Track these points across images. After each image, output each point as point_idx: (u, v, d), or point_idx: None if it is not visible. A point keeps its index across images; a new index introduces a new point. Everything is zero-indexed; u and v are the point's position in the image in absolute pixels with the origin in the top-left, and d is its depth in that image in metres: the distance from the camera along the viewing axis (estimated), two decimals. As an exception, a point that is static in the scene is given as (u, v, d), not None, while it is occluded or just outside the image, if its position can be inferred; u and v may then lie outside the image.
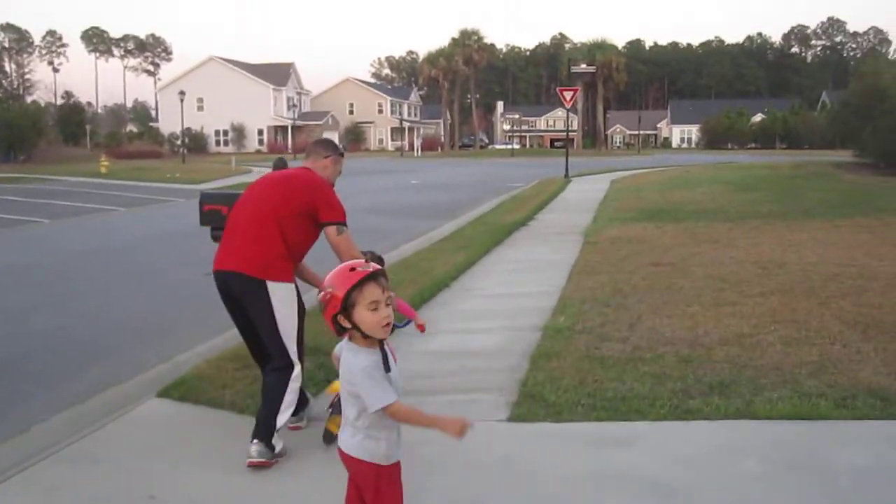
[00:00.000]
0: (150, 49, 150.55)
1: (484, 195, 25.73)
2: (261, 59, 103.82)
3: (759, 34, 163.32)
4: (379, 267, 3.12)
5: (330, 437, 4.94)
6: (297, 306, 4.99)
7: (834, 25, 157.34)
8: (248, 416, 5.60)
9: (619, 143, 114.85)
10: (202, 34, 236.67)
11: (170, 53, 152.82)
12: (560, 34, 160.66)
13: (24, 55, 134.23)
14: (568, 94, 33.27)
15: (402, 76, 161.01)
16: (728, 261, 11.14)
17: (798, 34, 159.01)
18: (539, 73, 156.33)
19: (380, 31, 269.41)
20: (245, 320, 5.09)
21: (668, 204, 20.16)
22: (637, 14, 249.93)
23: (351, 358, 3.07)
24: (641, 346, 6.84)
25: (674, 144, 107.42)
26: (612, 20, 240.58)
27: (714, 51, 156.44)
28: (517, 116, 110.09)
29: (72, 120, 67.93)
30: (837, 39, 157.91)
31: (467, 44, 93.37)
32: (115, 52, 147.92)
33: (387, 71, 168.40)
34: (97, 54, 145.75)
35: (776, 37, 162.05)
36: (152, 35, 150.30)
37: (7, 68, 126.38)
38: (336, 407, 4.90)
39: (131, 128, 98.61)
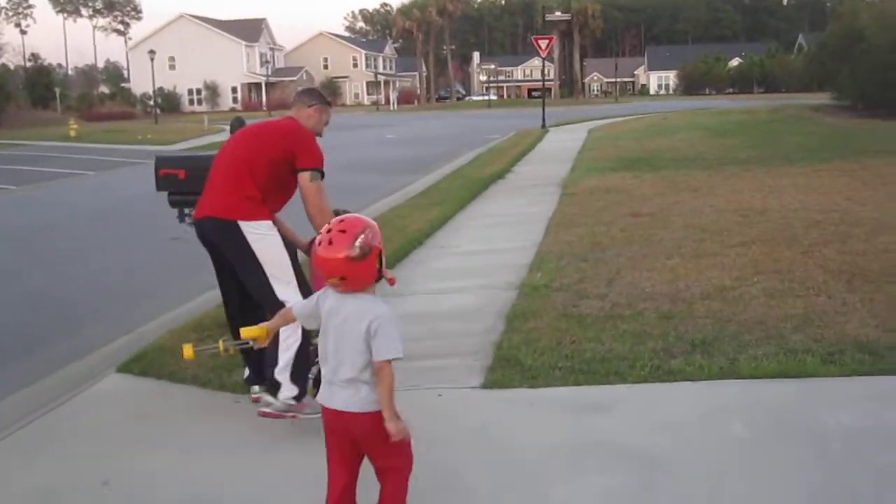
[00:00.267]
0: (119, 8, 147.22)
1: (460, 148, 25.38)
2: (232, 15, 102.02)
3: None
4: None
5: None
6: (280, 244, 4.73)
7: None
8: (211, 391, 5.40)
9: (597, 91, 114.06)
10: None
11: (139, 12, 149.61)
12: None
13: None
14: (543, 43, 32.74)
15: (376, 29, 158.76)
16: (708, 209, 10.91)
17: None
18: (515, 23, 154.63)
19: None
20: (229, 269, 4.86)
21: (646, 152, 19.89)
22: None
23: (371, 305, 3.10)
24: (620, 302, 6.61)
25: (651, 91, 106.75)
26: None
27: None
28: (493, 67, 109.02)
29: (39, 83, 66.47)
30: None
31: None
32: (84, 11, 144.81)
33: (361, 24, 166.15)
34: (65, 14, 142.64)
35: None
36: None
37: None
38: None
39: (104, 89, 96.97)
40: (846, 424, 4.25)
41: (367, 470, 3.26)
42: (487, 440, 4.41)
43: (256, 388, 5.06)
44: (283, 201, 4.91)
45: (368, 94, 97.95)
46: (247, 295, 4.91)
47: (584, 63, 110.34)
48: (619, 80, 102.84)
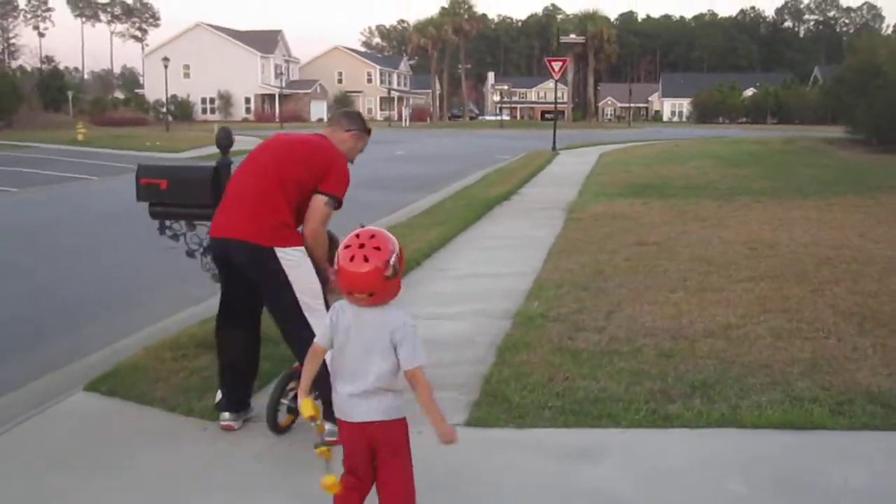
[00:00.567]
0: (137, 14, 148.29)
1: (469, 167, 25.09)
2: (249, 25, 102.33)
3: (753, 8, 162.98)
4: None
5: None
6: (314, 270, 4.49)
7: (827, 0, 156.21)
8: (178, 416, 5.08)
9: (610, 115, 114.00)
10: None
11: (157, 19, 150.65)
12: (552, 5, 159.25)
13: (10, 19, 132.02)
14: (556, 65, 32.53)
15: (392, 45, 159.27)
16: (716, 241, 10.59)
17: (791, 8, 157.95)
18: (531, 44, 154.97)
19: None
20: (243, 291, 4.62)
21: (656, 179, 19.58)
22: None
23: (391, 314, 3.15)
24: (619, 337, 6.28)
25: (665, 118, 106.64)
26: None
27: (707, 24, 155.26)
28: (506, 87, 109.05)
29: (53, 85, 66.54)
30: (830, 14, 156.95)
31: (457, 13, 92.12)
32: (102, 16, 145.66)
33: (377, 40, 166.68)
34: (83, 19, 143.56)
35: (769, 11, 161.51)
36: (139, 0, 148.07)
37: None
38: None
39: (119, 94, 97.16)
40: (855, 485, 3.92)
41: None
42: (466, 484, 4.09)
43: (227, 415, 4.79)
44: None
45: (381, 109, 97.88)
46: (253, 315, 4.75)
47: (599, 87, 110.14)
48: (632, 105, 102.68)
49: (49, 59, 73.49)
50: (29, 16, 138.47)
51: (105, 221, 14.66)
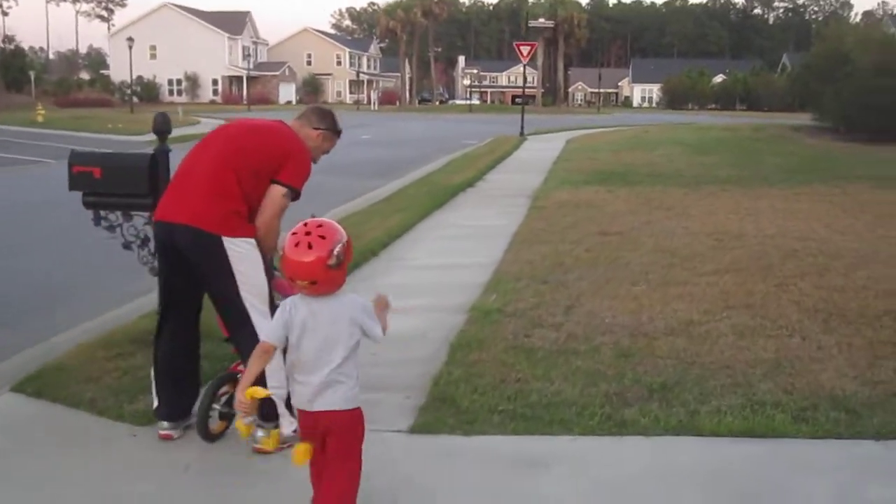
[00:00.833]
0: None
1: (435, 152, 24.76)
2: (216, 6, 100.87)
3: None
4: None
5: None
6: (262, 265, 4.18)
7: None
8: (107, 420, 4.74)
9: (581, 100, 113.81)
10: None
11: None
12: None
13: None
14: (525, 49, 32.21)
15: (363, 28, 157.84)
16: (681, 231, 10.37)
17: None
18: (502, 29, 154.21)
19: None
20: (185, 283, 4.29)
21: (622, 166, 19.37)
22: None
23: (346, 301, 3.22)
24: (577, 334, 6.03)
25: (635, 103, 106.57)
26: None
27: (677, 10, 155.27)
28: (475, 71, 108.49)
29: (13, 66, 65.16)
30: (800, 2, 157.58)
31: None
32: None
33: (347, 23, 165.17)
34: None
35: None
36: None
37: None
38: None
39: (84, 75, 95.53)
40: (819, 500, 3.69)
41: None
42: (406, 497, 3.82)
43: (166, 424, 4.45)
44: None
45: (351, 92, 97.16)
46: (194, 312, 4.44)
47: (569, 72, 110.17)
48: (602, 90, 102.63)
49: (10, 39, 71.80)
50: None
51: (54, 209, 14.19)
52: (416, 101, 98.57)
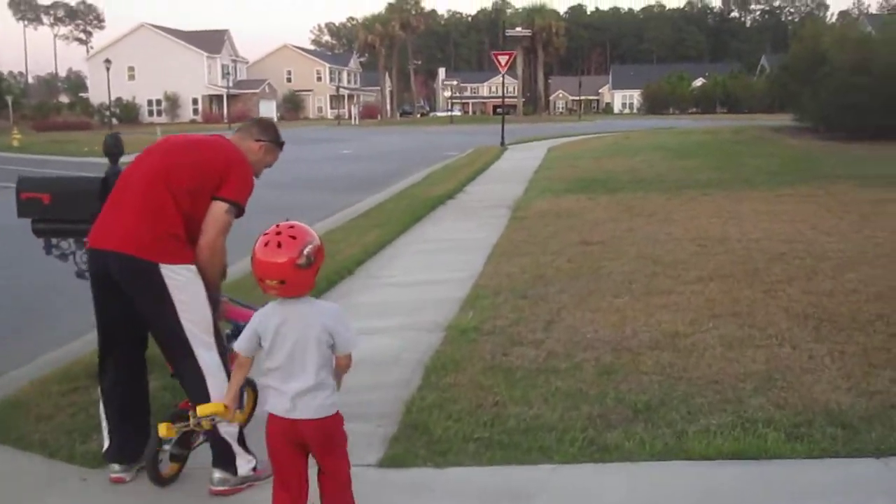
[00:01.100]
0: (80, 16, 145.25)
1: (416, 165, 24.50)
2: (195, 26, 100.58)
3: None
4: None
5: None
6: (205, 294, 3.89)
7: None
8: (58, 462, 4.43)
9: (562, 108, 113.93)
10: (135, 0, 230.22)
11: (101, 21, 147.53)
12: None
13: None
14: (503, 59, 32.04)
15: (342, 43, 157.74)
16: (663, 237, 10.13)
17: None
18: (481, 39, 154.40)
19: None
20: (122, 313, 3.96)
21: (603, 173, 19.15)
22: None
23: (321, 307, 3.25)
24: (557, 351, 5.75)
25: (615, 110, 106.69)
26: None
27: (655, 16, 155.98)
28: (455, 83, 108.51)
29: (-11, 90, 64.79)
30: (776, 3, 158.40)
31: (404, 9, 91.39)
32: (45, 19, 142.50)
33: (327, 38, 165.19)
34: (25, 22, 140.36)
35: (716, 1, 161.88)
36: (83, 2, 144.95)
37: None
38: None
39: (64, 99, 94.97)
40: (816, 527, 3.43)
41: None
42: (374, 540, 3.53)
43: (117, 466, 4.14)
44: None
45: (332, 108, 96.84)
46: (138, 344, 4.12)
47: (549, 80, 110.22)
48: (583, 98, 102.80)
49: (-15, 64, 71.18)
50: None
51: (19, 234, 13.86)
52: (398, 115, 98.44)
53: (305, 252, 3.10)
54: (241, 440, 3.99)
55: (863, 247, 8.97)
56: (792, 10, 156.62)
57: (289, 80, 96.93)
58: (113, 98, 70.55)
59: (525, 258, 9.21)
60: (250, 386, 4.74)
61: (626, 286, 7.58)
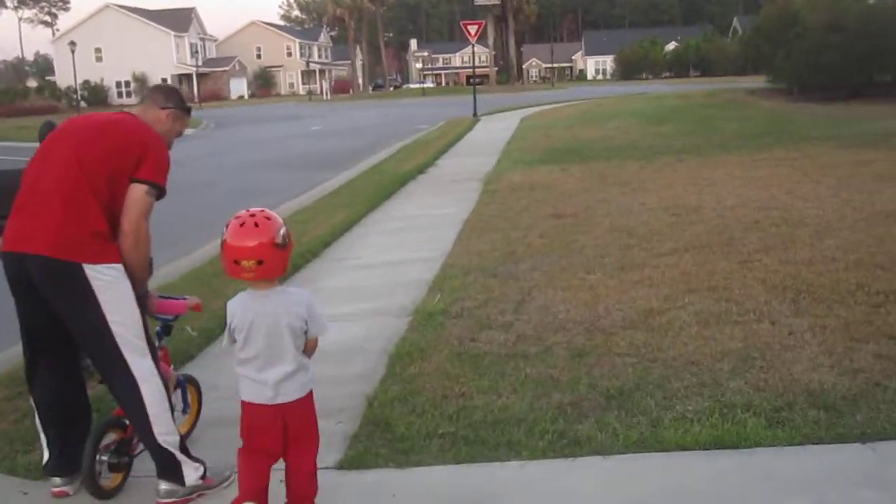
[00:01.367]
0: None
1: (387, 139, 24.17)
2: (160, 4, 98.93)
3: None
4: None
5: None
6: (132, 295, 3.60)
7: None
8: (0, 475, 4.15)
9: (536, 76, 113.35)
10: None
11: (67, 3, 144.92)
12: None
13: None
14: (472, 28, 31.64)
15: (312, 17, 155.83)
16: (638, 208, 9.90)
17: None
18: (452, 10, 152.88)
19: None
20: (49, 317, 3.64)
21: (576, 142, 18.91)
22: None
23: (292, 295, 3.25)
24: (527, 334, 5.50)
25: (589, 76, 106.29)
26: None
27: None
28: (426, 54, 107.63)
29: (-50, 77, 63.66)
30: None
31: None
32: (8, 2, 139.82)
33: (296, 13, 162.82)
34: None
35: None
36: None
37: None
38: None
39: (32, 83, 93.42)
40: (800, 523, 3.20)
41: None
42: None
43: (58, 479, 3.84)
44: None
45: (303, 83, 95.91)
46: (69, 347, 3.77)
47: (522, 49, 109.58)
48: (556, 65, 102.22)
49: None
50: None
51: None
52: (370, 88, 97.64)
53: (281, 232, 3.11)
54: (184, 447, 3.72)
55: (841, 211, 8.78)
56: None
57: (259, 56, 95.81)
58: (80, 80, 69.48)
59: (496, 234, 8.95)
60: (193, 385, 4.49)
61: (598, 261, 7.35)
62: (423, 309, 6.30)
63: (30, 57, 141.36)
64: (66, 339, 3.76)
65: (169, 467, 3.65)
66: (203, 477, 3.72)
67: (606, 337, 5.32)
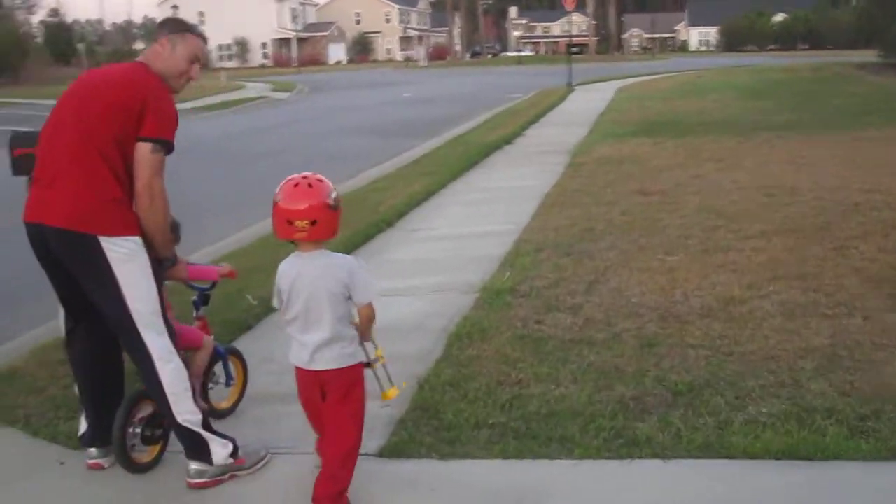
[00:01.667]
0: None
1: (477, 108, 23.81)
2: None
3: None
4: None
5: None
6: (149, 269, 3.42)
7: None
8: (40, 441, 4.08)
9: (636, 47, 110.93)
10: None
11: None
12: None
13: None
14: (570, -4, 30.91)
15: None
16: (729, 186, 9.40)
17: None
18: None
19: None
20: (77, 289, 3.51)
21: (672, 115, 18.25)
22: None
23: (336, 260, 3.20)
24: (596, 319, 5.18)
25: (692, 47, 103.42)
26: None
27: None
28: (525, 22, 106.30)
29: (60, 38, 65.26)
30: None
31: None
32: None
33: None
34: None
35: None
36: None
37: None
38: None
39: (140, 45, 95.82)
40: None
41: None
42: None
43: (94, 451, 3.73)
44: None
45: (401, 49, 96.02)
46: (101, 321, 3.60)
47: (623, 18, 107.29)
48: (658, 36, 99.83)
49: (55, 12, 71.96)
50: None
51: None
52: (467, 56, 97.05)
53: (333, 195, 3.13)
54: (207, 425, 3.54)
55: (951, 197, 8.14)
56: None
57: (358, 22, 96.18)
58: (183, 43, 70.66)
59: (576, 209, 8.60)
60: (236, 356, 4.33)
61: (681, 242, 6.95)
62: (491, 286, 6.03)
63: (138, 20, 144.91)
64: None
65: (195, 446, 3.49)
66: (233, 455, 3.55)
67: (681, 325, 4.96)
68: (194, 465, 3.51)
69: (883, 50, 30.85)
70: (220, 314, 5.61)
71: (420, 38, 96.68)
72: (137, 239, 3.35)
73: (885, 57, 30.46)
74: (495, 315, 5.39)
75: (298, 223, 3.06)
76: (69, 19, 79.03)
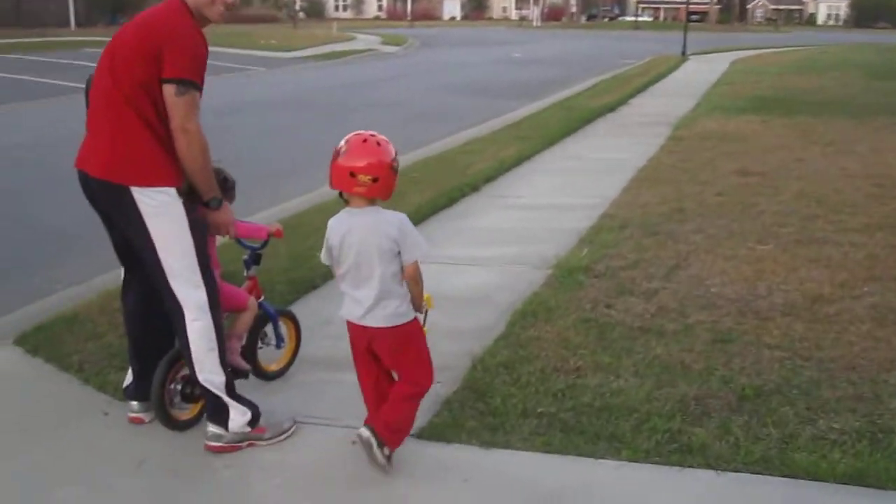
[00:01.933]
0: None
1: (586, 73, 23.28)
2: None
3: None
4: None
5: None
6: (185, 222, 3.29)
7: None
8: (90, 389, 4.08)
9: (760, 17, 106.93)
10: None
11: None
12: None
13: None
14: (692, -38, 29.85)
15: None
16: (836, 173, 8.89)
17: None
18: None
19: None
20: (120, 236, 3.50)
21: (786, 91, 17.47)
22: None
23: (386, 216, 3.16)
24: (670, 307, 4.92)
25: (819, 21, 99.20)
26: None
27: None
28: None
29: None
30: None
31: None
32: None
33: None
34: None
35: None
36: None
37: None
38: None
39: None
40: None
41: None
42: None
43: (136, 405, 3.71)
44: None
45: (517, 8, 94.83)
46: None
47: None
48: (784, 7, 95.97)
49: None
50: None
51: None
52: (583, 18, 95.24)
53: (395, 157, 3.14)
54: (231, 390, 3.45)
55: None
56: None
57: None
58: (303, -9, 71.40)
59: (668, 187, 8.25)
60: (289, 318, 4.24)
61: (774, 230, 6.57)
62: (566, 263, 5.80)
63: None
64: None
65: (215, 409, 3.42)
66: (252, 423, 3.45)
67: (759, 322, 4.66)
68: (212, 428, 3.45)
69: None
70: (286, 272, 5.57)
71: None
72: (171, 190, 3.23)
73: None
74: (564, 294, 5.17)
75: (361, 177, 3.06)
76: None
